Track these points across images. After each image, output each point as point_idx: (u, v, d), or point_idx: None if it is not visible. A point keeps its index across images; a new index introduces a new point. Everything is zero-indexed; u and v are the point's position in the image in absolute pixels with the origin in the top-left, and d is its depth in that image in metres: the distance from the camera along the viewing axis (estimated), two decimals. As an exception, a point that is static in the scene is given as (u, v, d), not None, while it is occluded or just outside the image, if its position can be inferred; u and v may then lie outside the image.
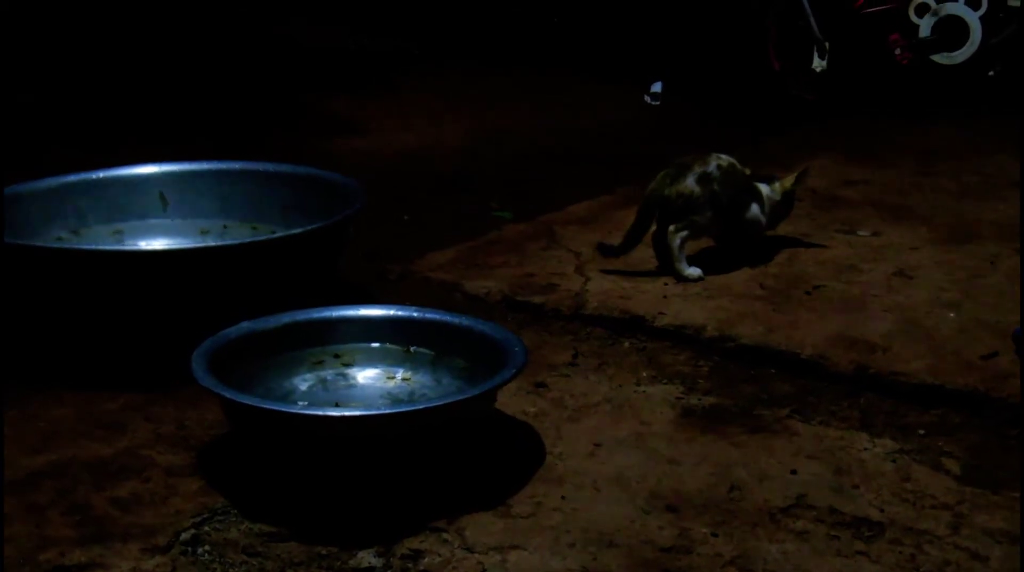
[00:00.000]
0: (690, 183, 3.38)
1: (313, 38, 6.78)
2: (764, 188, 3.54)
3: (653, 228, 3.45)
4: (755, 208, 3.51)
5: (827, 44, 5.74)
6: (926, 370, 2.85)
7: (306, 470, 2.37)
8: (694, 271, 3.41)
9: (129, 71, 6.03)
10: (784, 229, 3.74)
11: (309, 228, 3.00)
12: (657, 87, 5.72)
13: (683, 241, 3.40)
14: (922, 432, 2.65)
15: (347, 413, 2.41)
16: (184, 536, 2.26)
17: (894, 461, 2.53)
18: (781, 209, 3.60)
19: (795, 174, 3.63)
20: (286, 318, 2.72)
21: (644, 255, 3.48)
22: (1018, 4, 5.71)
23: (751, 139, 4.87)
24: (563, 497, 2.38)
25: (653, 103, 5.70)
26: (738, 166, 3.48)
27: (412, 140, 5.09)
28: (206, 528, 2.29)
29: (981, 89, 5.69)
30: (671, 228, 3.39)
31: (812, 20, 5.74)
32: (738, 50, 5.97)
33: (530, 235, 3.84)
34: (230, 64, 6.25)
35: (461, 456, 2.45)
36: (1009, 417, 2.68)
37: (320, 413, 2.40)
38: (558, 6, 7.05)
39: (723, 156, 3.47)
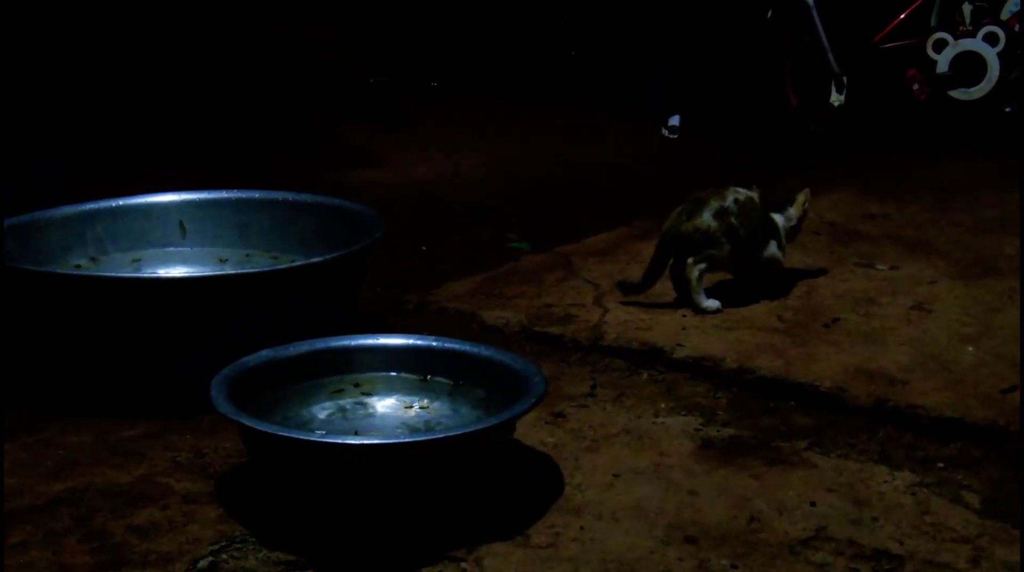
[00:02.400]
0: (707, 218, 3.38)
1: (330, 66, 6.82)
2: (779, 219, 3.55)
3: (671, 262, 3.46)
4: (773, 246, 3.51)
5: (845, 79, 5.76)
6: (945, 403, 2.84)
7: (325, 499, 2.36)
8: (712, 303, 3.40)
9: (146, 95, 6.06)
10: (803, 262, 3.74)
11: (328, 257, 3.01)
12: (675, 120, 5.74)
13: (701, 274, 3.40)
14: (941, 465, 2.63)
15: (365, 442, 2.41)
16: (202, 564, 2.26)
17: (913, 494, 2.51)
18: (795, 232, 3.62)
19: (803, 196, 3.63)
20: (305, 346, 2.72)
21: (662, 288, 3.48)
22: None
23: (769, 174, 4.87)
24: (582, 528, 2.37)
25: (671, 137, 5.71)
26: (756, 200, 3.48)
27: (429, 171, 5.11)
28: (224, 556, 2.28)
29: (998, 125, 5.69)
30: (689, 261, 3.39)
31: (830, 55, 5.75)
32: (756, 85, 5.99)
33: (548, 266, 3.85)
34: (252, 93, 6.28)
35: (480, 486, 2.44)
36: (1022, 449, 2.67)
37: (338, 441, 2.40)
38: (576, 40, 7.09)
39: (740, 190, 3.47)
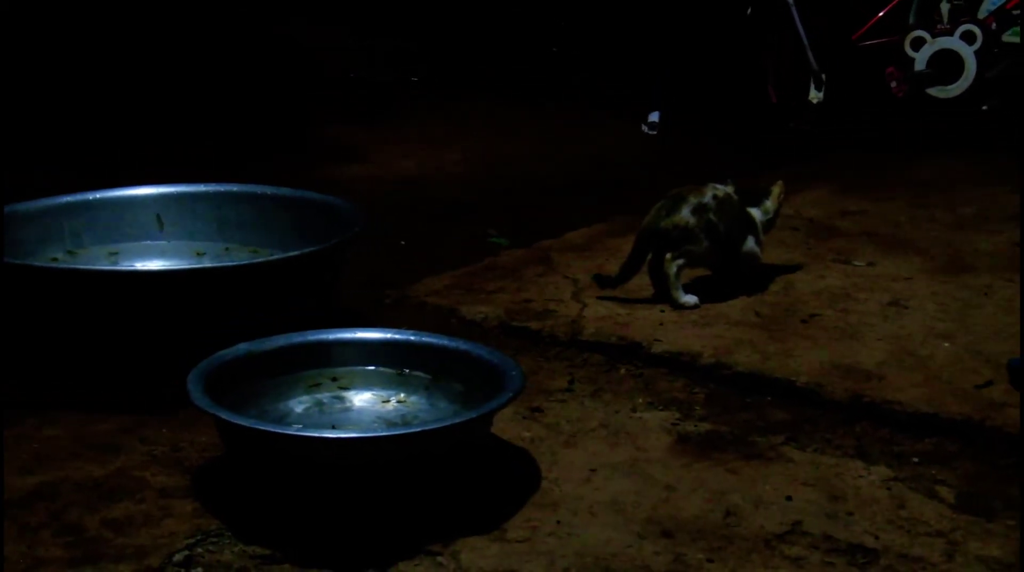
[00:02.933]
0: (686, 214, 3.39)
1: (318, 63, 6.81)
2: (756, 213, 3.56)
3: (649, 257, 3.46)
4: (751, 241, 3.52)
5: (824, 76, 5.78)
6: (921, 399, 2.85)
7: (301, 493, 2.36)
8: (690, 299, 3.41)
9: (133, 90, 6.05)
10: (780, 258, 3.75)
11: (306, 251, 3.01)
12: (655, 117, 5.74)
13: (679, 269, 3.40)
14: (917, 460, 2.65)
15: (342, 436, 2.42)
16: (177, 558, 2.25)
17: (889, 489, 2.52)
18: (771, 225, 3.64)
19: (778, 188, 3.64)
20: (282, 340, 2.72)
21: (640, 283, 3.48)
22: (1014, 40, 5.75)
23: (748, 171, 4.88)
24: (558, 522, 2.38)
25: (650, 133, 5.72)
26: (734, 196, 3.49)
27: (411, 167, 5.11)
28: (199, 550, 2.28)
29: (975, 123, 5.72)
30: (667, 257, 3.40)
31: (809, 52, 5.77)
32: (735, 82, 6.00)
33: (527, 261, 3.85)
34: (232, 87, 6.27)
35: (457, 480, 2.44)
36: (1004, 446, 2.67)
37: (314, 435, 2.40)
38: (566, 37, 7.10)
39: (719, 186, 3.48)
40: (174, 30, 6.83)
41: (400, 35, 6.92)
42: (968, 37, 5.75)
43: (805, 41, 5.78)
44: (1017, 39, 5.81)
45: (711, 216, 3.40)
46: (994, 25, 5.82)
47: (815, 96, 5.81)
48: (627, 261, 3.45)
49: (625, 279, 3.45)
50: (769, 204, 3.60)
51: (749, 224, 3.53)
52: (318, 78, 6.53)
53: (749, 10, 5.96)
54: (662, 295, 3.44)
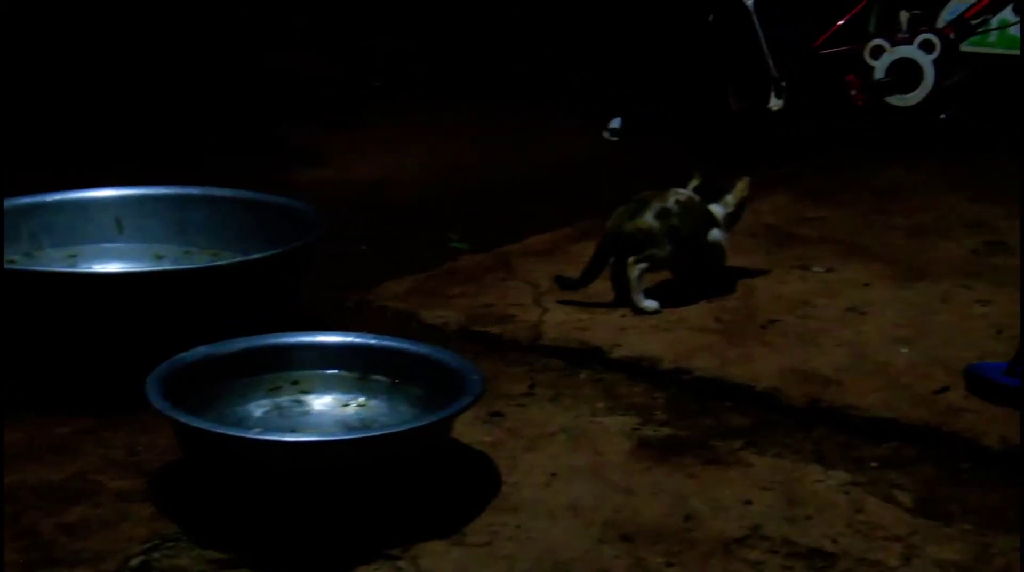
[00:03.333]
0: (648, 218, 3.40)
1: (280, 65, 6.78)
2: (718, 209, 3.58)
3: (611, 261, 3.47)
4: (716, 233, 3.54)
5: (784, 84, 5.82)
6: (879, 404, 2.87)
7: (259, 497, 2.35)
8: (651, 304, 3.42)
9: (94, 90, 6.01)
10: (741, 264, 3.77)
11: (266, 254, 2.99)
12: (616, 123, 5.76)
13: (641, 273, 3.41)
14: (875, 465, 2.66)
15: (301, 440, 2.41)
16: (133, 562, 2.24)
17: (847, 493, 2.54)
18: (735, 219, 3.65)
19: (742, 183, 3.66)
20: (243, 343, 2.70)
21: (602, 287, 3.49)
22: (972, 49, 5.82)
23: (709, 176, 4.89)
24: (518, 526, 2.38)
25: (612, 139, 5.74)
26: (696, 199, 3.51)
27: (373, 171, 5.10)
28: (156, 555, 2.26)
29: (934, 131, 5.78)
30: (630, 260, 3.41)
31: (769, 59, 5.81)
32: (697, 89, 6.03)
33: (488, 266, 3.85)
34: (190, 91, 6.23)
35: (417, 484, 2.43)
36: (961, 451, 2.70)
37: (273, 439, 2.39)
38: (520, 41, 7.10)
39: (682, 191, 3.50)
40: (146, 33, 6.78)
41: (363, 68, 6.90)
42: (927, 46, 5.81)
43: (765, 48, 5.82)
44: (974, 48, 5.89)
45: (674, 221, 3.42)
46: (952, 35, 5.89)
47: (775, 104, 5.86)
48: (589, 265, 3.46)
49: (586, 282, 3.46)
50: (730, 198, 3.62)
51: (712, 222, 3.55)
52: (284, 82, 6.51)
53: (711, 17, 5.99)
54: (623, 299, 3.45)
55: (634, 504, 2.47)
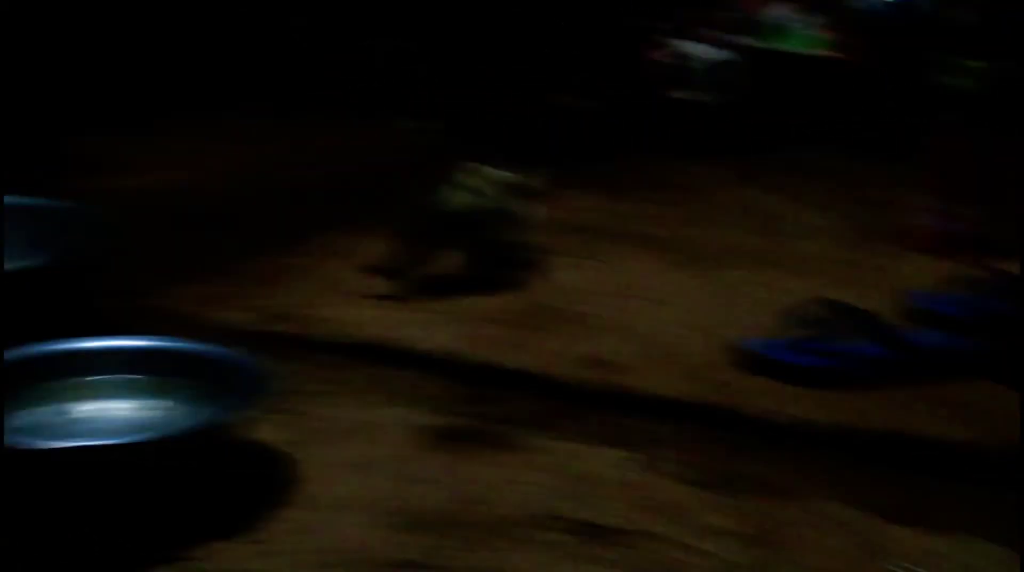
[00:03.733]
0: (455, 202, 3.48)
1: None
2: (518, 203, 3.66)
3: (412, 249, 3.51)
4: (514, 228, 3.61)
5: None
6: (659, 385, 2.99)
7: (45, 504, 2.29)
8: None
9: None
10: (540, 257, 3.83)
11: (46, 262, 2.92)
12: (412, 123, 5.81)
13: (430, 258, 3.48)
14: (663, 443, 2.75)
15: (83, 444, 2.35)
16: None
17: (630, 470, 2.61)
18: (530, 214, 3.74)
19: (535, 180, 3.77)
20: (30, 350, 2.64)
21: (391, 282, 3.52)
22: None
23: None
24: (307, 520, 2.37)
25: (415, 137, 5.77)
26: (502, 184, 3.59)
27: (168, 178, 5.00)
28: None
29: (732, 131, 5.97)
30: (426, 247, 3.47)
31: None
32: (510, 86, 6.09)
33: (284, 268, 3.83)
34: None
35: (206, 483, 2.41)
36: (733, 424, 2.82)
37: (57, 446, 2.33)
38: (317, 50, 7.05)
39: (492, 171, 3.59)
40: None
41: (160, 76, 6.74)
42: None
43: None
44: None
45: (482, 201, 3.50)
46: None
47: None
48: (397, 253, 3.49)
49: (398, 272, 3.50)
50: (526, 192, 3.70)
51: (512, 214, 3.62)
52: (78, 87, 6.33)
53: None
54: (413, 292, 3.48)
55: (422, 493, 2.50)
